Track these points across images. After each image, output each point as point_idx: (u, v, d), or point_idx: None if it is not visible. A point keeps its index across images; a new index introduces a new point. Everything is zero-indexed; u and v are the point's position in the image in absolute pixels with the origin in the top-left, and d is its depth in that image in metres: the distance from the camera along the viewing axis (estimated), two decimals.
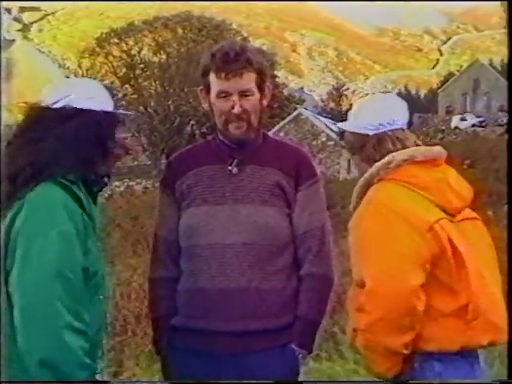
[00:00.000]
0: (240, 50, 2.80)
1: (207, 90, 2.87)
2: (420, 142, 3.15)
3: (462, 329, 2.89)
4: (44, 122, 2.67)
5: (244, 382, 2.75)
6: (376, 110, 3.08)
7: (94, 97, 2.73)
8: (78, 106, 2.68)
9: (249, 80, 2.79)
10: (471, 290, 2.89)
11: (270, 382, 2.77)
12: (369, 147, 3.01)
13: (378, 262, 2.79)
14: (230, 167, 2.81)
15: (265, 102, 2.91)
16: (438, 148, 3.13)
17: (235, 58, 2.77)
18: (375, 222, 2.84)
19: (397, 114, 3.10)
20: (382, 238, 2.81)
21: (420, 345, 2.87)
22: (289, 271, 2.79)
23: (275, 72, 71.86)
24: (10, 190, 2.65)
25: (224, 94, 2.79)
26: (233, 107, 2.78)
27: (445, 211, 3.00)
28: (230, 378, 2.73)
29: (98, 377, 2.59)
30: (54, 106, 2.70)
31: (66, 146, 2.64)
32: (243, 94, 2.79)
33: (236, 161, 2.82)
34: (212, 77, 2.82)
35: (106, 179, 2.81)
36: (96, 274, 2.69)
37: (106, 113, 2.74)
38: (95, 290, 2.69)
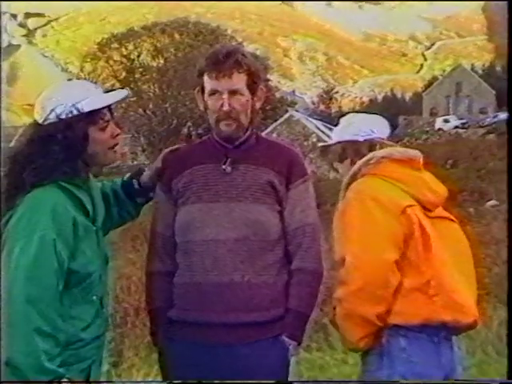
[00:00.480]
0: (231, 51, 2.82)
1: (203, 91, 2.89)
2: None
3: (425, 303, 3.03)
4: (37, 137, 2.74)
5: (245, 382, 2.75)
6: (365, 121, 3.46)
7: (78, 100, 2.73)
8: (62, 116, 2.71)
9: (239, 80, 2.80)
10: (435, 269, 3.05)
11: (271, 382, 2.78)
12: (362, 151, 3.28)
13: (357, 240, 2.99)
14: (223, 166, 2.81)
15: (257, 104, 2.91)
16: (415, 151, 3.39)
17: (225, 59, 2.79)
18: (356, 209, 3.05)
19: (380, 127, 3.49)
20: (362, 221, 3.02)
21: (388, 319, 2.99)
22: (279, 266, 2.80)
23: (268, 76, 71.98)
24: (8, 196, 2.69)
25: (215, 93, 2.81)
26: (222, 105, 2.79)
27: (420, 204, 3.20)
28: (223, 368, 2.73)
29: (63, 382, 2.53)
30: (45, 123, 2.75)
31: (53, 155, 2.67)
32: (233, 93, 2.79)
33: (230, 160, 2.81)
34: (205, 77, 2.83)
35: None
36: (89, 276, 2.69)
37: (76, 116, 2.73)
38: (88, 291, 2.69)
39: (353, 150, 3.34)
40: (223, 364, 2.74)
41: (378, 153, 3.23)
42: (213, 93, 2.81)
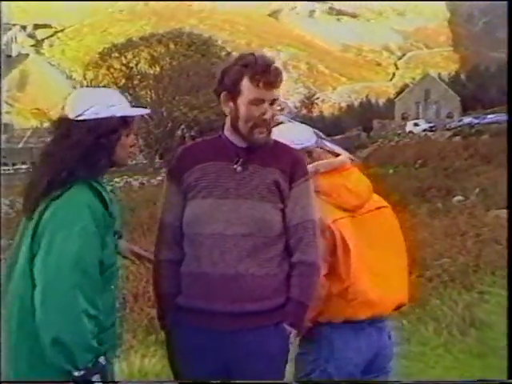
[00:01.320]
0: (274, 63, 2.82)
1: (233, 95, 2.81)
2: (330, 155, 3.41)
3: (345, 306, 3.13)
4: (72, 133, 2.72)
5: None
6: (296, 132, 3.37)
7: (114, 104, 2.76)
8: (100, 115, 2.72)
9: (278, 91, 2.81)
10: (353, 277, 3.11)
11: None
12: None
13: None
14: (235, 166, 2.79)
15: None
16: (340, 158, 3.34)
17: (275, 71, 2.78)
18: None
19: (310, 136, 3.39)
20: None
21: (316, 318, 3.08)
22: (280, 259, 2.78)
23: None
24: (45, 191, 2.70)
25: (257, 101, 2.76)
26: (264, 113, 2.76)
27: (346, 210, 3.20)
28: (226, 353, 2.75)
29: (101, 359, 2.58)
30: (79, 118, 2.74)
31: (89, 154, 2.69)
32: (272, 102, 2.79)
33: (241, 160, 2.79)
34: (246, 84, 2.76)
35: None
36: (111, 267, 2.73)
37: (117, 119, 2.75)
38: (108, 280, 2.72)
39: None
40: (227, 349, 2.74)
41: (309, 169, 3.07)
42: (256, 101, 2.76)
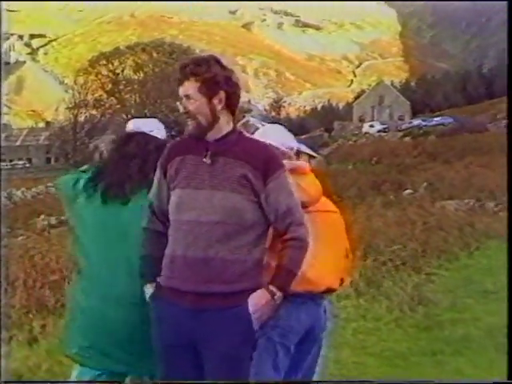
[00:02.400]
0: (184, 63, 2.79)
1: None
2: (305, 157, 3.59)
3: None
4: (142, 145, 3.26)
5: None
6: (285, 134, 3.48)
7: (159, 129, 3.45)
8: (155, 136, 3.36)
9: (190, 87, 2.74)
10: None
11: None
12: None
13: None
14: (204, 159, 2.75)
15: (219, 106, 2.78)
16: (299, 162, 3.43)
17: (180, 70, 2.77)
18: None
19: (289, 139, 3.48)
20: None
21: None
22: (251, 247, 2.74)
23: None
24: (118, 193, 3.14)
25: (181, 97, 2.79)
26: (184, 107, 2.78)
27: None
28: (195, 329, 2.73)
29: None
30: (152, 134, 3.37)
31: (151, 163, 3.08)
32: (187, 97, 2.76)
33: (209, 153, 2.75)
34: None
35: None
36: None
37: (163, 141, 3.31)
38: None
39: None
40: (195, 325, 2.72)
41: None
42: (180, 97, 2.80)
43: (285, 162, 3.18)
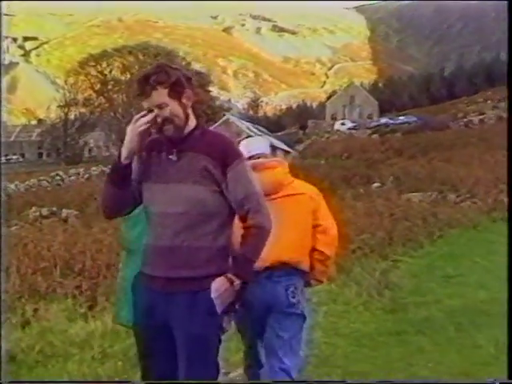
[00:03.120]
0: (144, 76, 2.73)
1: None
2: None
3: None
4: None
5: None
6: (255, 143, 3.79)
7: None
8: None
9: (159, 96, 2.70)
10: None
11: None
12: None
13: None
14: (170, 156, 2.76)
15: (188, 104, 2.77)
16: (259, 160, 3.66)
17: (143, 84, 2.72)
18: None
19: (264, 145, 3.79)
20: None
21: None
22: (215, 234, 2.73)
23: (210, 88, 71.82)
24: None
25: (151, 109, 2.72)
26: (157, 118, 2.71)
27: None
28: (166, 310, 2.73)
29: None
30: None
31: None
32: (159, 106, 2.71)
33: (175, 150, 2.75)
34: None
35: None
36: None
37: None
38: None
39: None
40: (166, 307, 2.73)
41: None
42: (150, 109, 2.72)
43: (249, 162, 3.38)
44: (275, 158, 3.85)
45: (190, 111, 2.79)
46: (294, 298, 3.51)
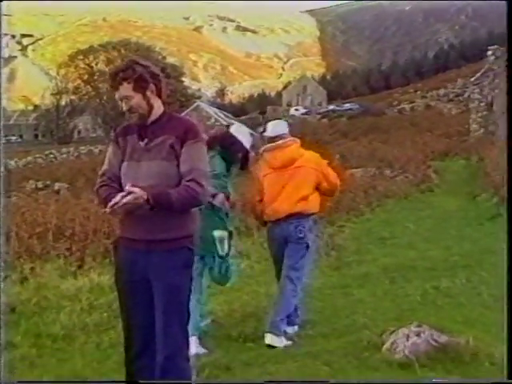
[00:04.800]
0: (114, 72, 2.77)
1: None
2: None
3: (264, 212, 4.50)
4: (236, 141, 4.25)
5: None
6: (279, 125, 4.65)
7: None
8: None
9: (124, 90, 2.73)
10: (267, 200, 4.44)
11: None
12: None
13: None
14: (141, 142, 2.76)
15: (152, 96, 2.75)
16: (291, 138, 4.57)
17: (112, 78, 2.77)
18: None
19: (285, 127, 4.63)
20: None
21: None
22: None
23: (183, 79, 71.15)
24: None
25: (120, 99, 2.78)
26: (123, 108, 2.78)
27: (273, 168, 4.45)
28: (145, 266, 2.72)
29: None
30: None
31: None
32: (125, 98, 2.75)
33: (146, 136, 2.76)
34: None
35: None
36: None
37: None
38: None
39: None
40: (146, 265, 2.73)
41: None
42: (120, 99, 2.77)
43: (266, 146, 4.43)
44: (292, 138, 4.55)
45: (155, 102, 2.78)
46: (300, 233, 4.32)
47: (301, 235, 4.30)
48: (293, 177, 4.33)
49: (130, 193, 2.57)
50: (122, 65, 2.80)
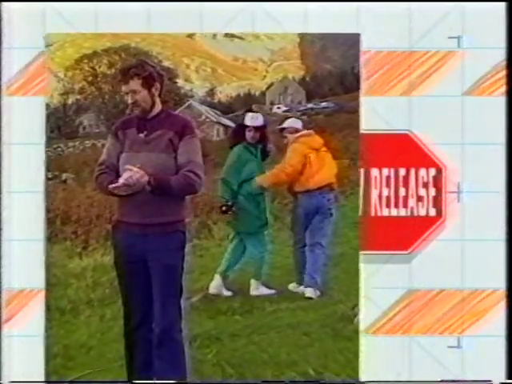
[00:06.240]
0: (125, 67, 2.79)
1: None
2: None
3: (301, 181, 4.57)
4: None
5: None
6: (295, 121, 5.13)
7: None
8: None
9: (133, 84, 2.75)
10: (308, 172, 4.62)
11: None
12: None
13: None
14: (140, 134, 2.74)
15: (156, 93, 2.76)
16: (306, 131, 4.94)
17: (124, 73, 2.78)
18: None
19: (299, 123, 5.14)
20: None
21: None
22: None
23: (177, 80, 71.15)
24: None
25: (127, 92, 2.79)
26: (128, 100, 2.79)
27: (313, 148, 4.74)
28: (142, 249, 2.68)
29: None
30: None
31: None
32: (132, 92, 2.75)
33: (146, 129, 2.75)
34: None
35: None
36: None
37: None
38: None
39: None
40: (142, 247, 2.70)
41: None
42: (126, 92, 2.79)
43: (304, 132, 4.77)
44: (306, 131, 4.84)
45: (156, 99, 2.79)
46: (329, 203, 4.54)
47: (330, 206, 4.62)
48: (321, 158, 4.73)
49: (130, 170, 2.57)
50: (133, 62, 2.87)
